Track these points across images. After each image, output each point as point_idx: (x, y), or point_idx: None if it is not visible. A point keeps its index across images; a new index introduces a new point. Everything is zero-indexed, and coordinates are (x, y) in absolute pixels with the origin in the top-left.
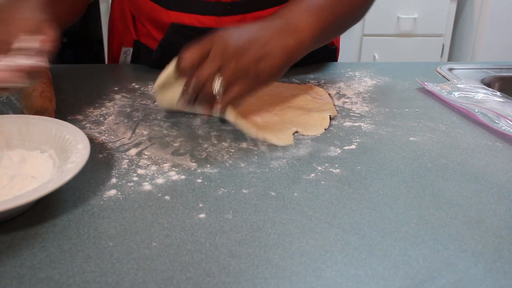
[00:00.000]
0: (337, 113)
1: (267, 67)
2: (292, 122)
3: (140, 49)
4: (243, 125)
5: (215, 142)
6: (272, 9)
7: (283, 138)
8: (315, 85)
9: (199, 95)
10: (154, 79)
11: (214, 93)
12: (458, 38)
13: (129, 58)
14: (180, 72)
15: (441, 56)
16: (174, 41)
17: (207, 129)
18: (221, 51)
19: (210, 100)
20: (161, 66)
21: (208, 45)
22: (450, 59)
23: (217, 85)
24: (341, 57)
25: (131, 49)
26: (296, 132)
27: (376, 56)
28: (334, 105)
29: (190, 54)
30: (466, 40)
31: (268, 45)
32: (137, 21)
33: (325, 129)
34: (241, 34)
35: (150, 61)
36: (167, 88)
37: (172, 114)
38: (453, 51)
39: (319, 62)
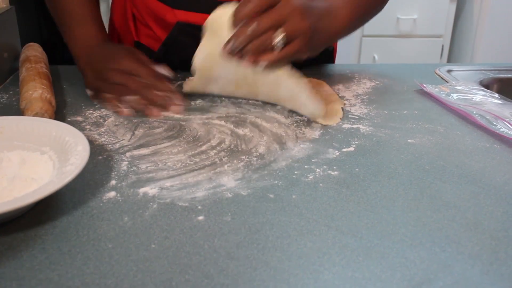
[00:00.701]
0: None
1: (325, 33)
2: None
3: (141, 50)
4: (305, 92)
5: (214, 144)
6: None
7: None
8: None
9: (252, 43)
10: None
11: (273, 43)
12: (458, 39)
13: None
14: (238, 16)
15: (441, 57)
16: (179, 40)
17: (207, 130)
18: (288, 7)
19: (264, 49)
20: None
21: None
22: (449, 59)
23: (279, 37)
24: (341, 58)
25: None
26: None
27: (376, 57)
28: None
29: (253, 3)
30: (465, 41)
31: (329, 14)
32: (138, 22)
33: (340, 119)
34: (304, 1)
35: (153, 60)
36: (209, 64)
37: (170, 116)
38: (452, 52)
39: (316, 63)
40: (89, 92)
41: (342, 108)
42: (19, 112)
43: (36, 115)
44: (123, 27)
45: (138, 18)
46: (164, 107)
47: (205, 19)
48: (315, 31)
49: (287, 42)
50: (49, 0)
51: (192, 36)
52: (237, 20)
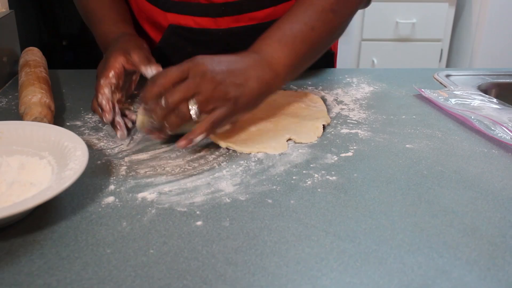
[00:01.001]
0: (330, 121)
1: (244, 96)
2: (286, 130)
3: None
4: (233, 145)
5: (213, 149)
6: (266, 10)
7: (277, 147)
8: (311, 91)
9: (169, 118)
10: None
11: (191, 113)
12: (457, 43)
13: None
14: (149, 96)
15: (440, 61)
16: (172, 42)
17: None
18: (198, 78)
19: (182, 120)
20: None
21: (183, 71)
22: (448, 64)
23: (193, 107)
24: (340, 62)
25: None
26: (290, 139)
27: (375, 61)
28: (329, 112)
29: (164, 78)
30: (464, 45)
31: (244, 76)
32: (135, 24)
33: (318, 137)
34: (219, 64)
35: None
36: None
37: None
38: (451, 56)
39: (316, 68)
40: None
41: (324, 125)
42: (18, 116)
43: (35, 119)
44: None
45: (134, 21)
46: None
47: (197, 22)
48: (238, 88)
49: (202, 112)
50: (79, 4)
51: (184, 38)
52: (146, 101)
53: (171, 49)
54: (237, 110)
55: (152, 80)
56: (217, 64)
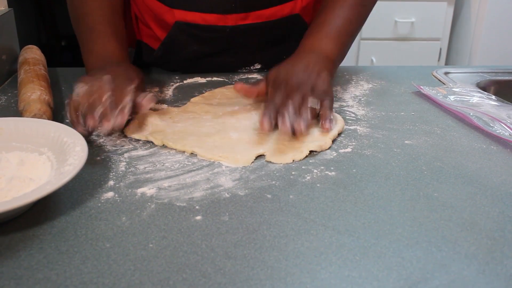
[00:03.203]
0: (326, 148)
1: (325, 83)
2: (265, 144)
3: (143, 49)
4: (197, 149)
5: None
6: (274, 8)
7: (240, 160)
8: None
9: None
10: (152, 83)
11: (315, 106)
12: (455, 42)
13: (131, 59)
14: (274, 111)
15: (439, 59)
16: (178, 39)
17: None
18: (294, 87)
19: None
20: (162, 64)
21: (279, 90)
22: (447, 62)
23: (313, 103)
24: None
25: (133, 50)
26: (262, 155)
27: (374, 60)
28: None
29: (274, 99)
30: (463, 44)
31: (318, 70)
32: (139, 22)
33: (294, 160)
34: (297, 72)
35: (152, 58)
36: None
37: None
38: (450, 54)
39: None
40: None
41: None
42: (18, 113)
43: (34, 116)
44: (127, 27)
45: (140, 18)
46: (102, 117)
47: (203, 18)
48: (318, 82)
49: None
50: (73, 15)
51: (190, 35)
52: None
53: (177, 46)
54: (331, 97)
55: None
56: (298, 74)
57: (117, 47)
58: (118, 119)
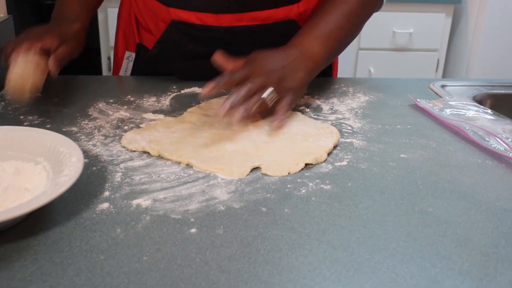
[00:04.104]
0: (322, 161)
1: (297, 81)
2: (261, 156)
3: (141, 52)
4: (193, 161)
5: None
6: (267, 11)
7: (235, 172)
8: (306, 99)
9: (249, 101)
10: (149, 93)
11: (265, 97)
12: (453, 53)
13: (130, 64)
14: (228, 82)
15: (436, 70)
16: (173, 38)
17: None
18: (258, 75)
19: (260, 107)
20: (158, 63)
21: (248, 67)
22: (445, 73)
23: (269, 92)
24: (338, 70)
25: (133, 55)
26: (258, 167)
27: (372, 70)
28: (324, 121)
29: (236, 73)
30: (460, 55)
31: (295, 67)
32: (140, 26)
33: (289, 173)
34: (274, 60)
35: (147, 57)
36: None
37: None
38: (448, 66)
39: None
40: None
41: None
42: (15, 122)
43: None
44: (128, 30)
45: (141, 21)
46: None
47: (199, 17)
48: (292, 76)
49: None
50: None
51: (186, 34)
52: (229, 84)
53: (172, 45)
54: (296, 97)
55: (227, 76)
56: (273, 62)
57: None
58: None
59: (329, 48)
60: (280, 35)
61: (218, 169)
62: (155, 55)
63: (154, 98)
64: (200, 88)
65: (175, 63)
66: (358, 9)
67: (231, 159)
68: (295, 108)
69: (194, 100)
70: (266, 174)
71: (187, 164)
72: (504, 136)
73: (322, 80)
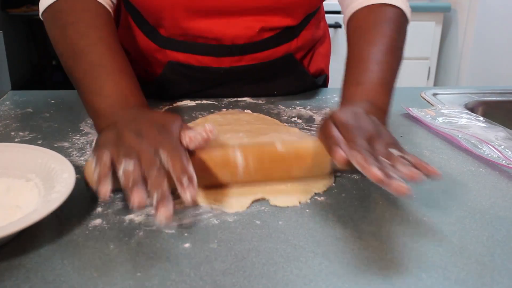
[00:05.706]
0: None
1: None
2: (267, 189)
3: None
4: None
5: None
6: (268, 51)
7: (234, 205)
8: (299, 111)
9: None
10: None
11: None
12: (444, 61)
13: None
14: (331, 144)
15: (428, 78)
16: (171, 78)
17: None
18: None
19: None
20: (151, 96)
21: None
22: (436, 81)
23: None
24: (330, 81)
25: None
26: (263, 198)
27: None
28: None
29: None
30: (451, 63)
31: (382, 124)
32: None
33: (300, 202)
34: (365, 121)
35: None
36: None
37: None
38: (439, 73)
39: (310, 89)
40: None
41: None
42: (6, 138)
43: None
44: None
45: (132, 54)
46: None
47: (199, 60)
48: (378, 131)
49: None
50: (67, 52)
51: (183, 75)
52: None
53: (169, 84)
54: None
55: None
56: (364, 123)
57: (131, 85)
58: (187, 194)
59: (390, 90)
60: (277, 69)
61: (216, 202)
62: (153, 93)
63: None
64: (192, 102)
65: (170, 97)
66: (398, 40)
67: (229, 190)
68: (288, 121)
69: (186, 113)
70: (274, 205)
71: None
72: (496, 143)
73: (314, 91)
